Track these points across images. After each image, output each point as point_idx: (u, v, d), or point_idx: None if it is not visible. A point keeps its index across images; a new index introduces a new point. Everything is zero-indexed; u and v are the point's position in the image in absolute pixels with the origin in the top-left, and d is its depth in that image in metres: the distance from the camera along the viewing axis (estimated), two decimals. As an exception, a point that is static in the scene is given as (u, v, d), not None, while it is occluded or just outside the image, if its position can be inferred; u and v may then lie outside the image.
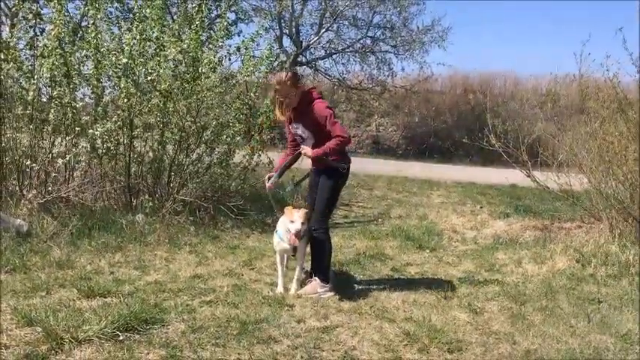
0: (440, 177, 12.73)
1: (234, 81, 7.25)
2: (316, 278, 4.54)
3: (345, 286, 4.71)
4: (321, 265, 4.58)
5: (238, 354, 3.33)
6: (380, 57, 18.09)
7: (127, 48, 6.34)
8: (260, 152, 7.30)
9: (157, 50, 6.48)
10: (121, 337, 3.38)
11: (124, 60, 6.27)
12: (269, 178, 4.70)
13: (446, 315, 4.15)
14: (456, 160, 17.00)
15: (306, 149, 4.51)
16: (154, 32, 6.47)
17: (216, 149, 7.09)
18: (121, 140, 6.54)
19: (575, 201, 7.40)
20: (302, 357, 3.34)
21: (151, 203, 6.33)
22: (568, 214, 7.82)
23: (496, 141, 7.69)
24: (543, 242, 6.63)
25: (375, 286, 4.82)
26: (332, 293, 4.46)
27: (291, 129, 4.62)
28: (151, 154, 6.77)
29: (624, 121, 6.56)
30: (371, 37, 17.97)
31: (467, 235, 7.24)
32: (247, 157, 7.34)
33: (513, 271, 5.53)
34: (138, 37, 6.36)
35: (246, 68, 7.16)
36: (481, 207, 9.23)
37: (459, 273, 5.43)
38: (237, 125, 7.08)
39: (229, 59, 7.62)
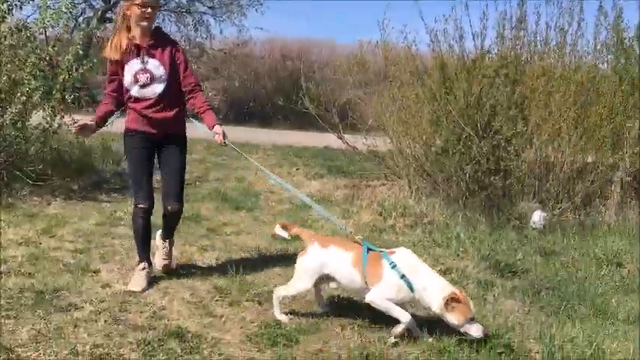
0: (259, 141, 12.87)
1: (27, 33, 6.47)
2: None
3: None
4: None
5: (32, 324, 3.06)
6: (197, 18, 17.54)
7: None
8: (62, 114, 6.67)
9: None
10: None
11: None
12: (82, 127, 3.74)
13: (258, 269, 4.24)
14: (276, 125, 17.30)
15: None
16: None
17: (9, 109, 6.32)
18: None
19: (380, 161, 8.00)
20: (106, 321, 3.18)
21: None
22: (374, 173, 8.41)
23: (310, 104, 7.98)
24: (352, 199, 7.09)
25: (188, 247, 4.73)
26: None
27: (132, 65, 3.67)
28: None
29: (420, 85, 7.21)
30: (186, -5, 17.33)
31: (283, 196, 7.44)
32: (48, 118, 6.66)
33: (323, 226, 5.82)
34: None
35: (43, 19, 6.43)
36: (297, 169, 9.53)
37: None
38: (34, 82, 6.37)
39: (20, 8, 6.80)
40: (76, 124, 3.81)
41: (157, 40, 3.74)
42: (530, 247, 5.36)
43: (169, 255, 4.09)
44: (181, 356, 2.88)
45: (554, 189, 6.51)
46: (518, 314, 3.77)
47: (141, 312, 3.37)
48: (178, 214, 3.97)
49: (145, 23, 3.65)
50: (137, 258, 3.88)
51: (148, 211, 3.80)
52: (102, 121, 3.79)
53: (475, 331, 3.10)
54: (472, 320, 3.13)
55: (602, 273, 4.75)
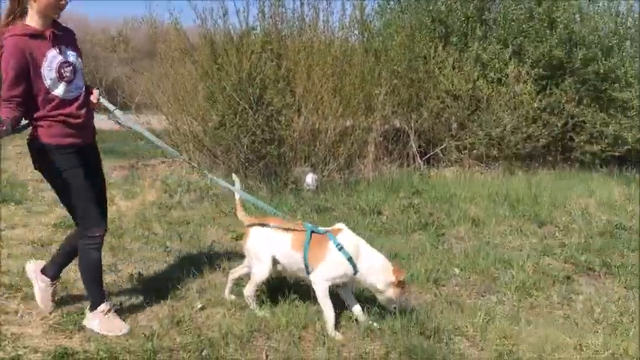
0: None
1: None
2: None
3: None
4: None
5: None
6: None
7: None
8: None
9: None
10: None
11: None
12: None
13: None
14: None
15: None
16: None
17: None
18: None
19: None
20: None
21: None
22: (151, 152, 8.28)
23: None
24: (132, 180, 6.95)
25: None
26: None
27: (52, 58, 2.89)
28: None
29: (191, 62, 7.29)
30: None
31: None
32: None
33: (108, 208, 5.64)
34: None
35: None
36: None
37: (53, 219, 5.24)
38: None
39: None
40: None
41: (59, 26, 3.03)
42: (307, 206, 5.94)
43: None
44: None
45: (322, 153, 7.24)
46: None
47: None
48: None
49: (57, 15, 2.96)
50: (94, 300, 3.14)
51: (103, 238, 3.14)
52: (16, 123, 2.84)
53: (404, 304, 3.31)
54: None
55: (367, 221, 5.51)
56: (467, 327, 3.20)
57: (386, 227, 5.37)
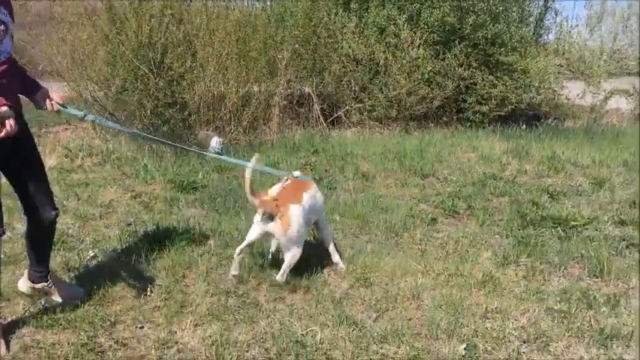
0: None
1: None
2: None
3: None
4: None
5: None
6: None
7: None
8: None
9: None
10: None
11: None
12: None
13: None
14: None
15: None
16: None
17: None
18: None
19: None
20: None
21: None
22: (53, 118, 8.17)
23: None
24: (33, 146, 6.92)
25: None
26: None
27: None
28: None
29: (91, 26, 7.25)
30: None
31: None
32: None
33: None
34: None
35: None
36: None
37: None
38: None
39: None
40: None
41: None
42: (209, 167, 6.19)
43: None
44: None
45: (226, 116, 7.48)
46: (199, 217, 4.54)
47: None
48: (55, 223, 3.01)
49: None
50: None
51: None
52: None
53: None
54: None
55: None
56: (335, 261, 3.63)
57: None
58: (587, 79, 10.45)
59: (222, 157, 4.38)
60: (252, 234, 3.27)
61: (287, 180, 3.50)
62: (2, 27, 2.51)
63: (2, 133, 2.41)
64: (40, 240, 2.99)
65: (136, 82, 6.74)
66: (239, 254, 3.27)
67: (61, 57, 7.49)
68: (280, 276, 3.26)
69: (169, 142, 4.34)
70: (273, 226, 3.19)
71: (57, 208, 2.95)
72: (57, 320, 2.88)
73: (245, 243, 3.27)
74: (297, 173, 3.65)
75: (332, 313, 3.00)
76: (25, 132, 2.77)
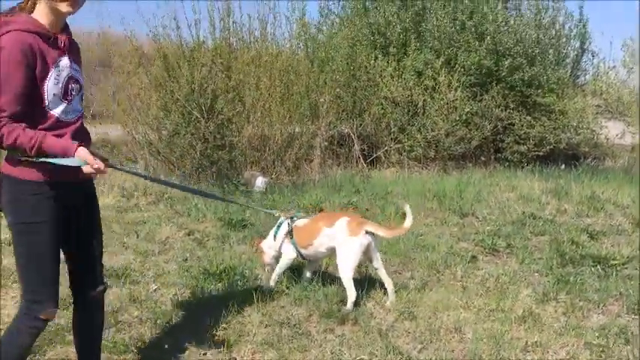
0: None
1: None
2: None
3: None
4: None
5: None
6: None
7: None
8: None
9: None
10: None
11: None
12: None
13: None
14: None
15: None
16: None
17: None
18: None
19: (112, 149, 8.36)
20: None
21: None
22: (109, 160, 8.67)
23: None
24: (92, 186, 7.37)
25: None
26: None
27: (62, 68, 2.26)
28: None
29: (146, 74, 7.79)
30: None
31: None
32: None
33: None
34: None
35: None
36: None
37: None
38: None
39: None
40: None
41: (69, 32, 2.36)
42: (256, 205, 6.49)
43: None
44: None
45: (270, 157, 7.83)
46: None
47: None
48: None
49: (73, 9, 2.24)
50: None
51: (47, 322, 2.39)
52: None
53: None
54: None
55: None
56: (380, 296, 3.83)
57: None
58: (625, 119, 10.49)
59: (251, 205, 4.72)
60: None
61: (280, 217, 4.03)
62: (77, 85, 2.35)
63: (93, 169, 2.21)
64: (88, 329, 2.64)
65: (187, 126, 7.18)
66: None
67: (117, 103, 8.02)
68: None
69: (205, 193, 4.55)
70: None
71: (105, 282, 2.67)
72: (128, 347, 3.15)
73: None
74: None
75: (379, 344, 3.19)
76: (94, 191, 2.63)
